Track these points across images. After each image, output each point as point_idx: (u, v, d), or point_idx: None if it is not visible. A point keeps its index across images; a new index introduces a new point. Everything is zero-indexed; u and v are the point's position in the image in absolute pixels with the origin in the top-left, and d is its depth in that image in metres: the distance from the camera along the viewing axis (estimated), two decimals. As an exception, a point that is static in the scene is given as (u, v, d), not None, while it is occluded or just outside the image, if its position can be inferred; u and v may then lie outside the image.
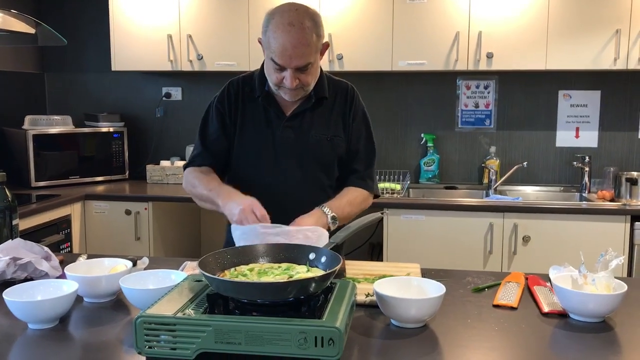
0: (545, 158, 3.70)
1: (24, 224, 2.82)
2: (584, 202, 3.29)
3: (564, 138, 3.67)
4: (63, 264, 1.82)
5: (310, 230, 1.61)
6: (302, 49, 1.67)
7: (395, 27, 3.36)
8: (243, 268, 1.38)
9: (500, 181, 3.57)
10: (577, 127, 3.65)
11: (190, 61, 3.57)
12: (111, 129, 3.81)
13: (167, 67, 3.59)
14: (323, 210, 1.72)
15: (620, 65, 3.21)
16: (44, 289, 1.45)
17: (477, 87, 3.73)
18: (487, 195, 3.53)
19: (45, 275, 1.68)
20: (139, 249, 3.36)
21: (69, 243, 3.24)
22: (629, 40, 3.19)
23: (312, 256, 1.43)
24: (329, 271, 1.25)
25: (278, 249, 1.44)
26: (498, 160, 3.67)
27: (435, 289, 1.42)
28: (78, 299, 1.54)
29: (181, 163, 3.66)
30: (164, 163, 3.81)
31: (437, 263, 3.00)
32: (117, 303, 1.56)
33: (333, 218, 1.71)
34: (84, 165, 3.69)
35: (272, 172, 1.86)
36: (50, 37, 3.03)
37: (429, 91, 3.78)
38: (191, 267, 1.82)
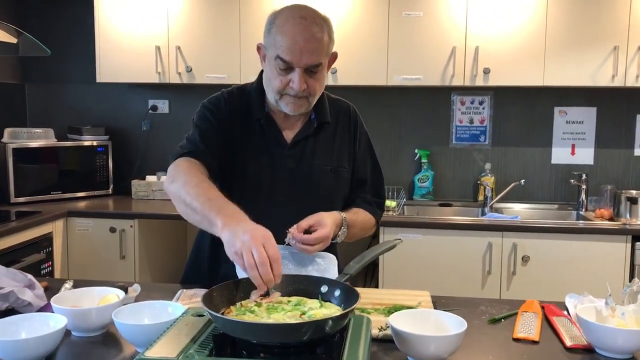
0: (541, 175, 3.64)
1: (2, 243, 2.67)
2: (581, 222, 3.23)
3: (560, 155, 3.62)
4: (47, 291, 1.69)
5: (320, 256, 1.50)
6: (314, 44, 1.51)
7: (390, 41, 3.28)
8: (250, 303, 1.27)
9: (496, 199, 3.50)
10: (573, 144, 3.60)
11: (179, 73, 3.45)
12: (95, 143, 3.67)
13: (155, 79, 3.47)
14: (342, 217, 1.60)
15: (618, 83, 3.17)
16: (29, 324, 1.33)
17: (472, 102, 3.66)
18: (483, 213, 3.45)
19: (28, 305, 1.54)
20: (124, 268, 3.23)
21: (50, 262, 3.09)
22: (626, 57, 3.15)
23: (324, 289, 1.32)
24: (347, 310, 1.15)
25: (287, 281, 1.33)
26: (493, 177, 3.60)
27: (455, 324, 1.32)
28: (65, 332, 1.41)
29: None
30: (150, 178, 3.68)
31: (435, 284, 2.91)
32: (107, 337, 1.44)
33: (345, 229, 1.62)
34: (66, 180, 3.55)
35: (268, 205, 1.65)
36: (33, 47, 2.90)
37: (423, 106, 3.71)
38: (187, 297, 1.70)
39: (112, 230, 3.24)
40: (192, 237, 3.86)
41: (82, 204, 3.44)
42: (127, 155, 3.91)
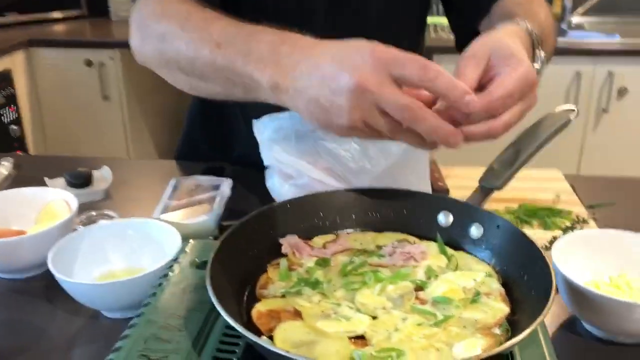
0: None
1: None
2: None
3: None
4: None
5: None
6: None
7: None
8: (307, 260, 0.63)
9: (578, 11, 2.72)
10: None
11: None
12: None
13: None
14: (525, 27, 0.75)
15: None
16: None
17: None
18: (563, 33, 2.68)
19: None
20: (109, 112, 2.65)
21: (14, 107, 2.46)
22: None
23: (444, 219, 0.68)
24: (536, 322, 0.50)
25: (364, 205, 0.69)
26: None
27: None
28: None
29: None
30: (132, -7, 2.88)
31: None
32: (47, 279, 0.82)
33: (541, 52, 0.78)
34: (25, -3, 2.78)
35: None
36: None
37: None
38: (185, 191, 1.07)
39: (89, 63, 2.58)
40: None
41: (47, 30, 2.76)
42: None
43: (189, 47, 0.72)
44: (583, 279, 0.72)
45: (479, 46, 0.64)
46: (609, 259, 0.82)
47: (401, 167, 0.83)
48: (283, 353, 0.47)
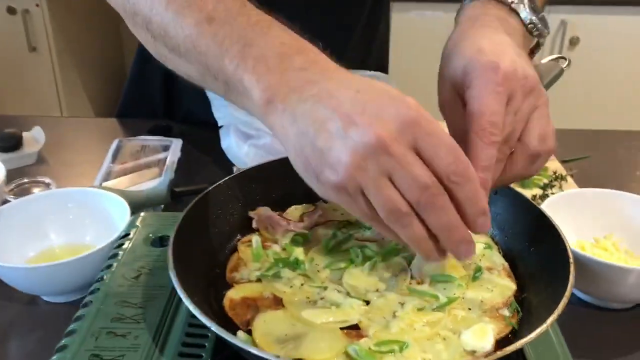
0: None
1: None
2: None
3: None
4: None
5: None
6: None
7: None
8: (282, 237, 0.56)
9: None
10: None
11: None
12: None
13: None
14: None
15: None
16: None
17: None
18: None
19: None
20: (38, 65, 2.43)
21: None
22: None
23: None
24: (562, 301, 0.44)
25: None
26: None
27: None
28: None
29: None
30: None
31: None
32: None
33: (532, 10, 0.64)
34: None
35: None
36: None
37: None
38: (129, 153, 0.96)
39: (11, 11, 2.36)
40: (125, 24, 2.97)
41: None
42: None
43: (169, 7, 0.54)
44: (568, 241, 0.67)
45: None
46: (593, 219, 0.78)
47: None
48: (271, 358, 0.39)
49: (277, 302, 0.49)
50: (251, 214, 0.58)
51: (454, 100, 0.53)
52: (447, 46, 0.58)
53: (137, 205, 0.76)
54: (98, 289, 0.57)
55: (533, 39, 0.65)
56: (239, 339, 0.43)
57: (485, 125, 0.48)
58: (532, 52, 0.68)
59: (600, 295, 0.68)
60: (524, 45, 0.62)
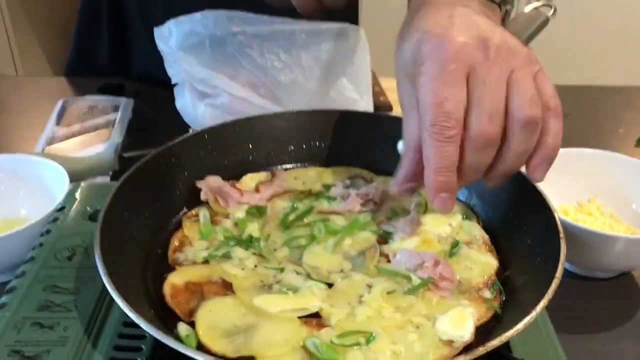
0: None
1: None
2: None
3: None
4: None
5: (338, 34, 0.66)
6: None
7: None
8: (238, 210, 0.49)
9: None
10: None
11: None
12: None
13: None
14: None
15: None
16: None
17: None
18: None
19: None
20: None
21: None
22: None
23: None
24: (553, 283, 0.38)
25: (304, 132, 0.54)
26: None
27: None
28: None
29: None
30: None
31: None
32: None
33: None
34: None
35: None
36: None
37: None
38: (75, 115, 0.88)
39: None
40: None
41: None
42: None
43: None
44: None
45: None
46: (577, 181, 0.73)
47: (339, 77, 0.68)
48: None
49: (227, 288, 0.43)
50: (199, 184, 0.51)
51: (411, 95, 0.45)
52: (398, 36, 0.50)
53: (80, 173, 0.68)
54: (24, 272, 0.50)
55: (496, 7, 0.58)
56: (176, 340, 0.36)
57: (435, 119, 0.41)
58: (502, 22, 0.61)
59: (585, 265, 0.63)
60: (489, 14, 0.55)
